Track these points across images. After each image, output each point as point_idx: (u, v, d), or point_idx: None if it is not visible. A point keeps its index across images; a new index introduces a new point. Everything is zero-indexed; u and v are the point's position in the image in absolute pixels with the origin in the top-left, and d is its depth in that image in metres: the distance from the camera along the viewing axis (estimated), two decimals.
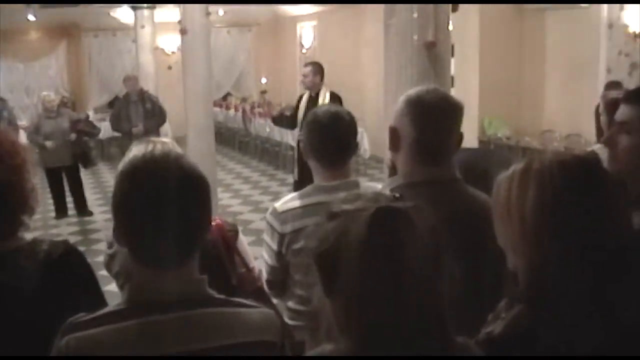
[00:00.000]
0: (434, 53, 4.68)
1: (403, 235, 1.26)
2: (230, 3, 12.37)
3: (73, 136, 10.00)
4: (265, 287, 3.00)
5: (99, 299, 2.06)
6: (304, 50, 18.23)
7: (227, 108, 17.84)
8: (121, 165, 1.74)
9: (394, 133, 2.34)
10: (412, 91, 2.36)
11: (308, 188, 2.86)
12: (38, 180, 2.19)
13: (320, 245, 1.32)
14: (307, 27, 18.21)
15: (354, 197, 1.38)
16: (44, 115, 10.19)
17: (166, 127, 12.72)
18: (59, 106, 10.28)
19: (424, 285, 1.27)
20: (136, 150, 2.65)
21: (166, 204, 1.55)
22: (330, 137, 2.79)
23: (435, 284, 1.29)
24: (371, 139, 11.99)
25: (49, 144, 9.82)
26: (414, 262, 1.25)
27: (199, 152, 8.92)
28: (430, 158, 2.28)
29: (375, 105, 11.76)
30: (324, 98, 7.94)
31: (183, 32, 9.13)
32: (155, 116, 10.11)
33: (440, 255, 1.30)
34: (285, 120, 8.83)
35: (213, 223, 2.75)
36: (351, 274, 1.25)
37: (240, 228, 3.01)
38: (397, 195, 1.38)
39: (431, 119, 2.27)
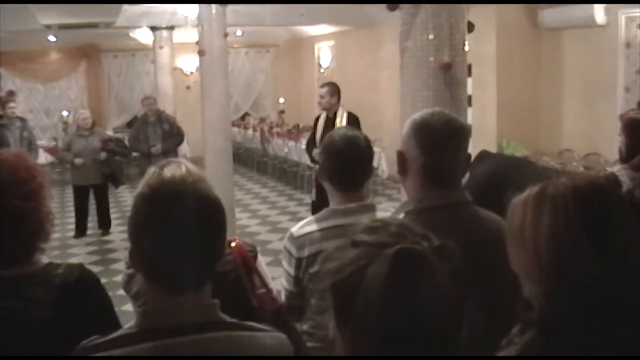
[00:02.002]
0: (450, 74, 4.69)
1: (424, 280, 1.22)
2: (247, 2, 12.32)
3: (103, 155, 10.09)
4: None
5: (114, 324, 2.04)
6: (321, 70, 18.32)
7: (246, 128, 17.92)
8: (139, 187, 1.74)
9: (401, 157, 2.34)
10: (417, 115, 2.37)
11: (323, 212, 2.87)
12: (55, 203, 2.18)
13: (337, 275, 1.30)
14: (324, 47, 18.30)
15: (378, 226, 1.35)
16: (76, 133, 10.33)
17: (184, 148, 12.78)
18: (93, 125, 10.36)
19: (440, 331, 1.24)
20: (155, 172, 2.69)
21: (182, 228, 1.56)
22: (345, 163, 2.81)
23: (453, 330, 1.27)
24: (389, 159, 11.99)
25: (77, 161, 9.95)
26: (432, 308, 1.22)
27: (217, 173, 8.95)
28: (439, 182, 2.28)
29: (392, 125, 11.75)
30: (342, 118, 7.96)
31: (201, 53, 9.22)
32: (173, 137, 10.16)
33: (462, 301, 1.27)
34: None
35: (232, 244, 2.76)
36: (364, 312, 1.23)
37: (258, 248, 3.02)
38: (425, 233, 1.33)
39: (436, 143, 2.27)
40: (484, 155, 3.58)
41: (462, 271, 1.27)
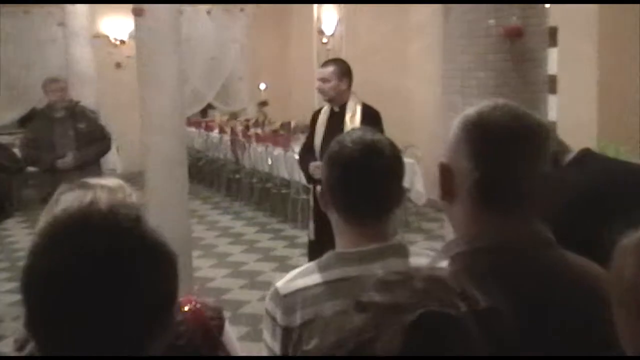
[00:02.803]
0: (521, 45, 4.70)
1: None
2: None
3: None
4: None
5: None
6: (324, 41, 18.38)
7: (209, 129, 17.97)
8: (40, 223, 1.74)
9: (446, 173, 2.32)
10: (471, 109, 2.35)
11: (326, 257, 2.86)
12: None
13: (335, 352, 1.32)
14: (328, 7, 18.34)
15: (396, 280, 1.36)
16: None
17: (112, 159, 12.79)
18: None
19: None
20: (64, 200, 2.68)
21: (101, 286, 1.55)
22: (361, 181, 2.80)
23: None
24: (427, 176, 11.97)
25: None
26: None
27: (165, 197, 8.95)
28: (501, 209, 2.25)
29: (431, 125, 11.77)
30: (353, 114, 7.95)
31: (138, 12, 9.17)
32: (93, 142, 10.12)
33: None
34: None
35: (186, 308, 2.76)
36: None
37: (227, 314, 3.01)
38: (465, 290, 1.34)
39: (499, 150, 2.26)
40: (585, 156, 3.53)
41: (523, 348, 1.27)
